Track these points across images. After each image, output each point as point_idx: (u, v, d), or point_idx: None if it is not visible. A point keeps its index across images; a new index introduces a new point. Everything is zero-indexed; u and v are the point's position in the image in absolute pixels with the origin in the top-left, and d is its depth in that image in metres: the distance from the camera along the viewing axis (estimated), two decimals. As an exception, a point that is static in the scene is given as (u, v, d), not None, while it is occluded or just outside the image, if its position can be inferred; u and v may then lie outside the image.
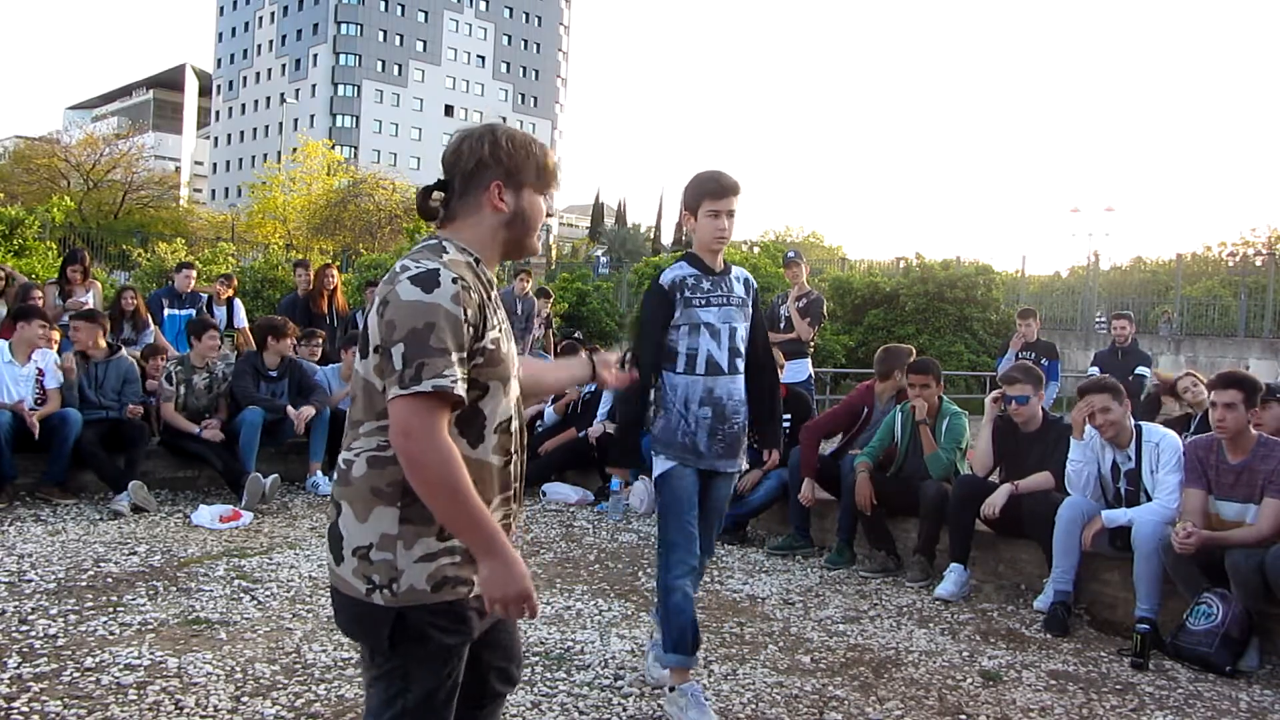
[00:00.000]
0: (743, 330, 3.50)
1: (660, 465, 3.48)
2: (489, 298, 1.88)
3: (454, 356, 1.75)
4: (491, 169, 1.90)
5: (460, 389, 1.75)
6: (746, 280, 3.59)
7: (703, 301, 3.44)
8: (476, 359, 1.83)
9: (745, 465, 3.69)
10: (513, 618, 1.86)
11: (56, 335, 6.54)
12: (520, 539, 2.08)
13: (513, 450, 1.93)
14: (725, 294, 3.47)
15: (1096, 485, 4.75)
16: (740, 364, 3.49)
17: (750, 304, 3.55)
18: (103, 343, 6.65)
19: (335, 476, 1.89)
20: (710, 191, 3.38)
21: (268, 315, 8.34)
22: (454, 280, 1.78)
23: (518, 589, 1.78)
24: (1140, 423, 4.79)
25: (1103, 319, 23.18)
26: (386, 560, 1.80)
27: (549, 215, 2.00)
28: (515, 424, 1.94)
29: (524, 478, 2.02)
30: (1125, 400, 4.74)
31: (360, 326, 1.85)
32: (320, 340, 7.92)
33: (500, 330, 1.90)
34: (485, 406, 1.87)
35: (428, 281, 1.76)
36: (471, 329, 1.80)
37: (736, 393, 3.47)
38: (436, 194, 1.96)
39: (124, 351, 6.86)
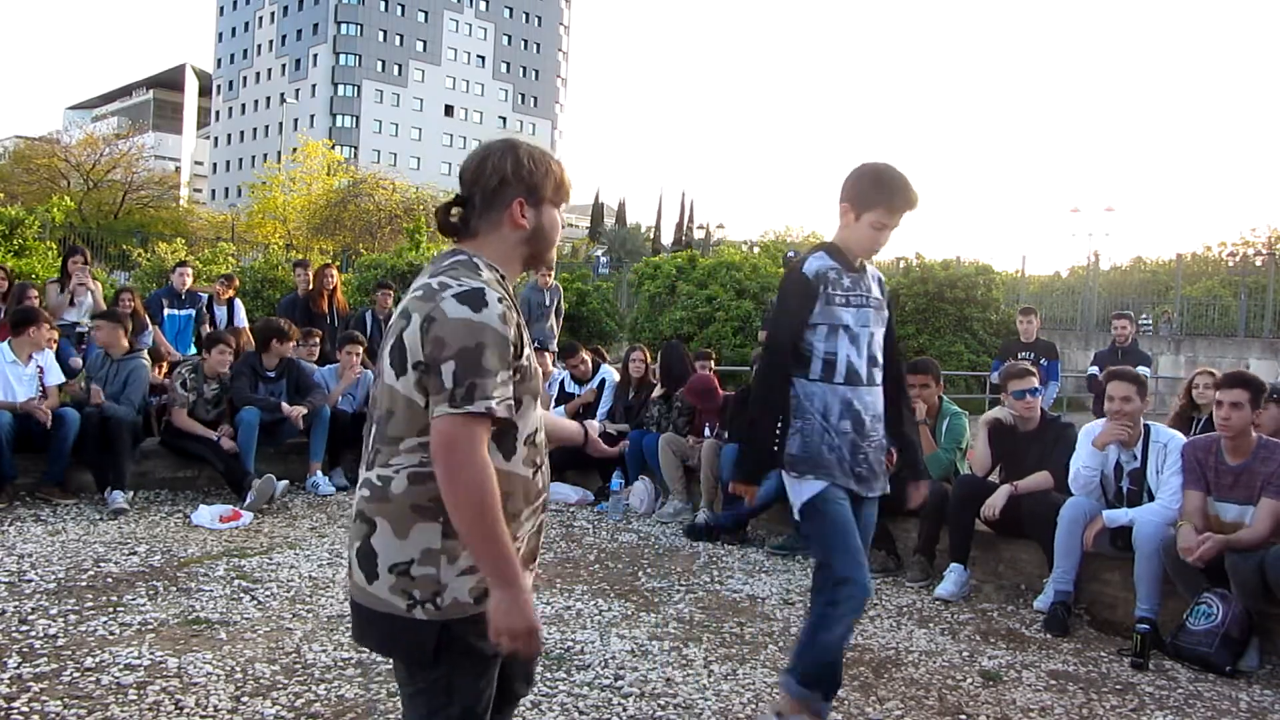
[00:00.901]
0: (879, 336, 3.10)
1: (807, 488, 2.99)
2: (519, 313, 1.91)
3: (500, 376, 1.77)
4: (514, 186, 1.91)
5: (504, 410, 1.77)
6: (881, 280, 3.21)
7: (844, 300, 3.02)
8: (515, 376, 1.84)
9: (887, 489, 3.20)
10: (514, 651, 1.82)
11: (55, 335, 6.58)
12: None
13: (539, 461, 1.96)
14: (864, 294, 3.08)
15: (1098, 484, 4.75)
16: (878, 375, 3.08)
17: (886, 306, 3.16)
18: (124, 342, 6.70)
19: (366, 493, 1.87)
20: (893, 205, 2.97)
21: (268, 316, 8.35)
22: (499, 300, 1.80)
23: (526, 624, 1.78)
24: (1149, 423, 4.77)
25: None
26: (429, 575, 1.81)
27: (563, 227, 2.02)
28: (540, 436, 1.97)
29: (548, 487, 2.04)
30: (1146, 395, 4.73)
31: (392, 341, 1.84)
32: (318, 340, 7.91)
33: (529, 345, 1.92)
34: (518, 421, 1.88)
35: (475, 300, 1.77)
36: (514, 348, 1.81)
37: (875, 406, 3.06)
38: (455, 209, 1.97)
39: (143, 355, 6.87)
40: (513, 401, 1.81)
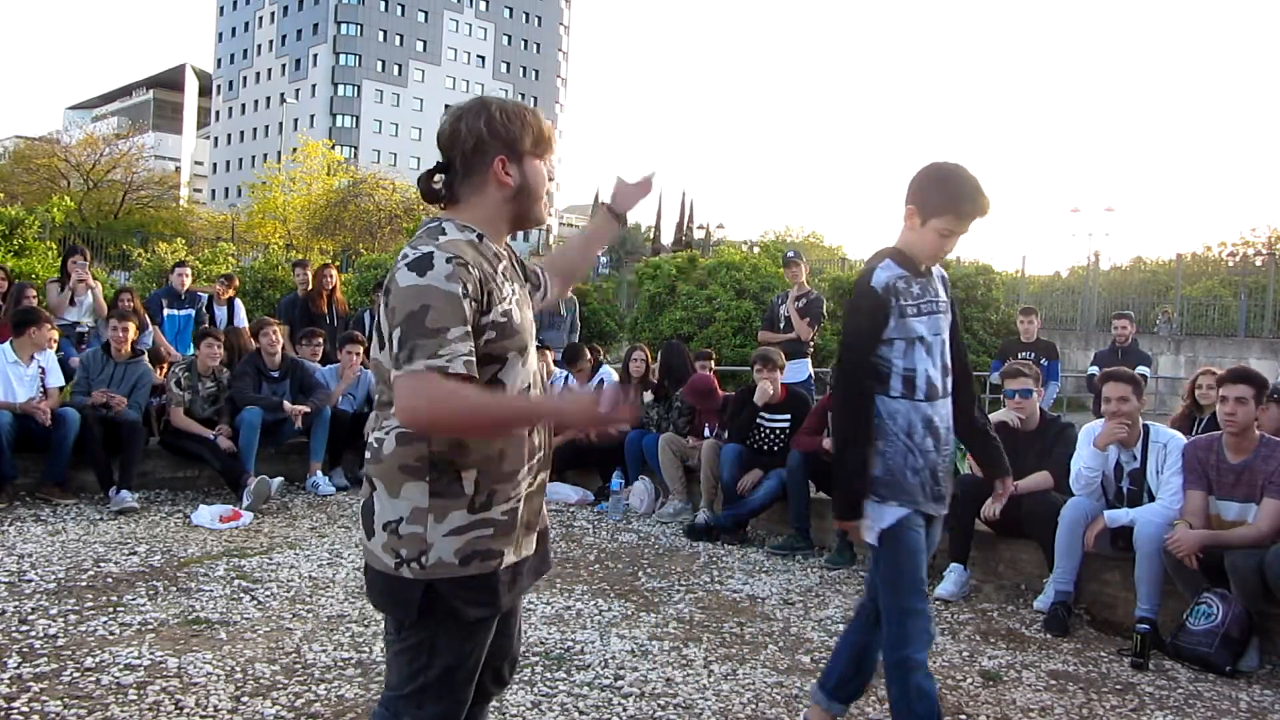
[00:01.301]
0: (947, 340, 2.93)
1: (889, 514, 2.80)
2: (497, 270, 1.90)
3: (452, 334, 1.75)
4: (492, 145, 1.90)
5: (458, 366, 1.75)
6: (944, 279, 3.00)
7: (915, 310, 2.82)
8: (488, 333, 1.84)
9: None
10: (613, 425, 1.81)
11: (56, 334, 6.58)
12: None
13: None
14: (933, 299, 2.87)
15: (1099, 484, 4.74)
16: (950, 384, 2.91)
17: (950, 307, 2.96)
18: (128, 348, 6.69)
19: (367, 455, 1.92)
20: (963, 211, 2.77)
21: (263, 317, 8.35)
22: (448, 260, 1.78)
23: (588, 415, 1.78)
24: (1149, 423, 4.77)
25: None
26: (416, 533, 1.83)
27: (550, 178, 2.02)
28: (534, 391, 1.97)
29: (551, 444, 2.06)
30: (1143, 395, 4.73)
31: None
32: (321, 340, 7.92)
33: (514, 301, 1.91)
34: (505, 377, 1.89)
35: (421, 265, 1.78)
36: (474, 303, 1.80)
37: (949, 418, 2.92)
38: (438, 176, 1.97)
39: (145, 357, 6.87)
40: (471, 358, 1.78)
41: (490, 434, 1.84)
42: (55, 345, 6.54)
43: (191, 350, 8.33)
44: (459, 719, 1.96)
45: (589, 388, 1.91)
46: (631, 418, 1.82)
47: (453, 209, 1.95)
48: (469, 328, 1.78)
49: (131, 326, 6.74)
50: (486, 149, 1.90)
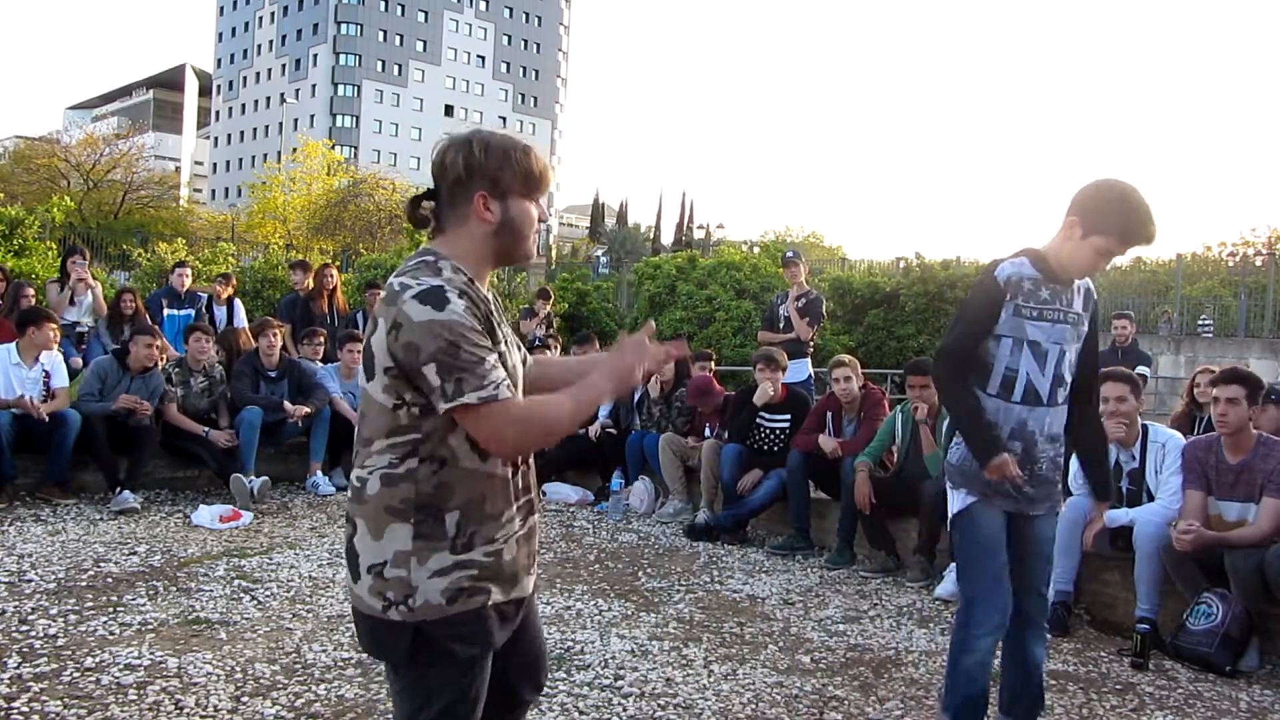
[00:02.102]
0: (1073, 353, 2.89)
1: (959, 500, 2.95)
2: (492, 311, 1.89)
3: (490, 361, 1.78)
4: (474, 180, 1.87)
5: (505, 391, 1.78)
6: (1088, 292, 2.94)
7: (1035, 314, 2.82)
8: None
9: (1061, 506, 3.11)
10: (651, 365, 1.96)
11: (57, 334, 6.55)
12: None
13: (519, 461, 1.93)
14: (1063, 309, 2.85)
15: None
16: (1063, 394, 2.89)
17: (1087, 321, 2.93)
18: (149, 363, 6.63)
19: (350, 494, 1.90)
20: (1131, 236, 2.72)
21: (265, 316, 8.35)
22: (459, 295, 1.79)
23: (627, 374, 1.92)
24: (1147, 423, 4.77)
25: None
26: (400, 577, 1.81)
27: (541, 220, 1.98)
28: None
29: (533, 487, 2.02)
30: (1141, 395, 4.73)
31: (363, 345, 1.84)
32: (323, 340, 7.92)
33: (505, 343, 1.90)
34: None
35: (436, 299, 1.76)
36: (488, 336, 1.82)
37: (1052, 427, 2.90)
38: (426, 203, 1.96)
39: (159, 366, 6.83)
40: (508, 379, 1.81)
41: (570, 431, 1.93)
42: (57, 344, 6.50)
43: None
44: None
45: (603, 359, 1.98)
46: (662, 354, 1.97)
47: (438, 239, 1.93)
48: (494, 355, 1.81)
49: (157, 344, 6.67)
50: (468, 183, 1.87)
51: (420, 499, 1.80)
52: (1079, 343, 2.90)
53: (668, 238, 63.25)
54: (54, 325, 6.41)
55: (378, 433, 1.84)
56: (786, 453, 6.12)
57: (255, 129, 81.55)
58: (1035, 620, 3.01)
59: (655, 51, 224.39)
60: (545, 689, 3.48)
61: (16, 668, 3.44)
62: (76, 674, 3.42)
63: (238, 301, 9.23)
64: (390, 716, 3.15)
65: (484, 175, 1.87)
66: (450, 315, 1.75)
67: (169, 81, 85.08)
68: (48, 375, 6.29)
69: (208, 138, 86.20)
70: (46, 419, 6.04)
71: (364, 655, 3.72)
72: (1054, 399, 2.86)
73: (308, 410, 6.91)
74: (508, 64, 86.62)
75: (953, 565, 5.05)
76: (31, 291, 7.87)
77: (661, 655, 3.95)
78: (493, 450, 1.82)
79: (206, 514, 5.94)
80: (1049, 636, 2.92)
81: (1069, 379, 2.89)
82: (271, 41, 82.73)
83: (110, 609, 4.16)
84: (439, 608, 1.81)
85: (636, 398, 7.47)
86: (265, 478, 6.64)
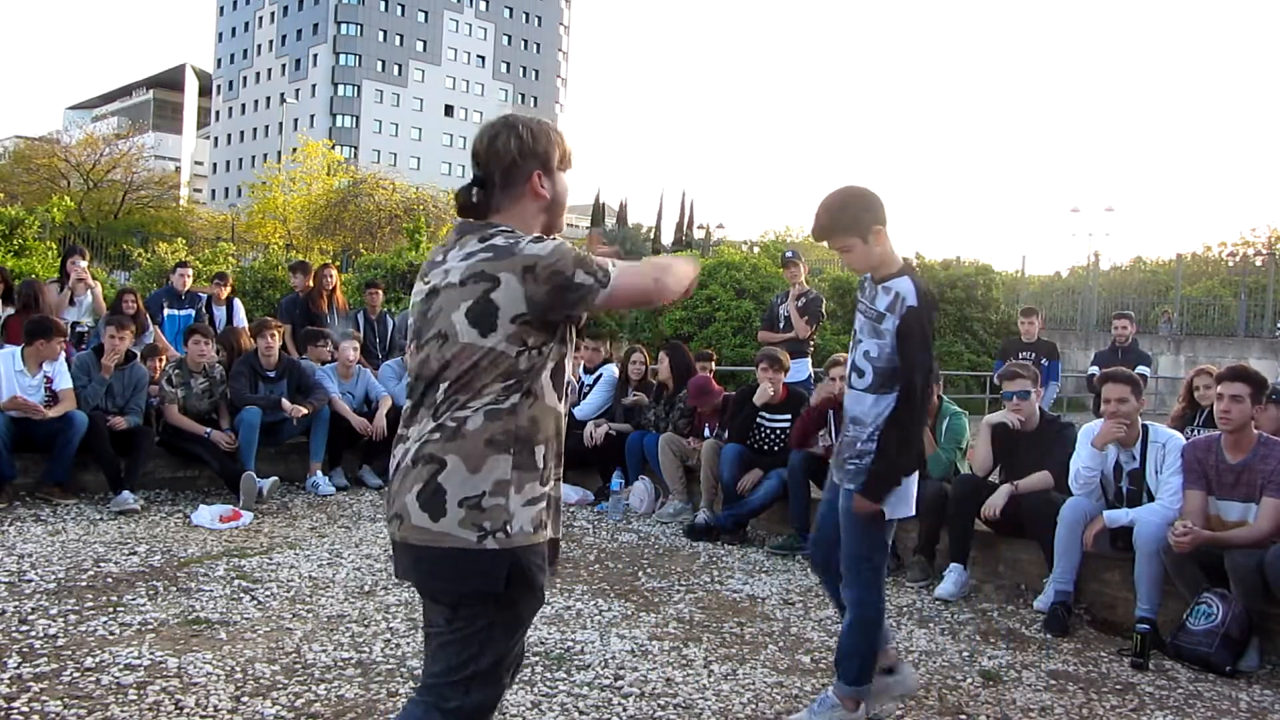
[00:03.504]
0: (871, 346, 3.13)
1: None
2: None
3: (598, 261, 1.98)
4: (529, 160, 2.05)
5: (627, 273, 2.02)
6: (896, 295, 3.11)
7: (860, 309, 3.28)
8: (554, 342, 2.03)
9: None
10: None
11: (63, 345, 6.51)
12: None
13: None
14: (866, 303, 3.19)
15: (1098, 484, 4.74)
16: (860, 381, 3.16)
17: (890, 320, 3.10)
18: (121, 356, 6.66)
19: (436, 436, 1.96)
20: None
21: (265, 316, 8.35)
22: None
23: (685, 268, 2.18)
24: (1147, 423, 4.77)
25: None
26: (500, 505, 1.93)
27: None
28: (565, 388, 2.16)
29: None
30: (1142, 396, 4.73)
31: (470, 303, 1.95)
32: (328, 342, 7.91)
33: None
34: (555, 378, 2.04)
35: (542, 240, 1.98)
36: None
37: (852, 410, 3.21)
38: (476, 190, 2.08)
39: (138, 359, 6.86)
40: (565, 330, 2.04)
41: (688, 280, 2.13)
42: (63, 352, 6.48)
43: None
44: (496, 707, 2.04)
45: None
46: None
47: (495, 216, 2.07)
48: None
49: (128, 335, 6.66)
50: (524, 164, 2.05)
51: (520, 431, 1.95)
52: (878, 337, 3.11)
53: (668, 238, 63.16)
54: (63, 339, 6.35)
55: (493, 378, 1.95)
56: (787, 453, 6.11)
57: (255, 129, 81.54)
58: (844, 581, 3.29)
59: (655, 51, 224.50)
60: (546, 688, 3.49)
61: (16, 668, 3.44)
62: (76, 674, 3.42)
63: (238, 301, 9.23)
64: (391, 717, 3.16)
65: (535, 155, 2.06)
66: (559, 243, 1.97)
67: (169, 81, 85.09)
68: (49, 380, 6.28)
69: (208, 138, 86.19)
70: (49, 415, 6.03)
71: (365, 655, 3.72)
72: (851, 383, 3.20)
73: (305, 410, 6.91)
74: (508, 64, 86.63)
75: (952, 565, 5.07)
76: (46, 291, 7.80)
77: (661, 655, 3.95)
78: (652, 296, 2.05)
79: (206, 514, 5.94)
80: (849, 600, 3.25)
81: (866, 368, 3.14)
82: (271, 41, 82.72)
83: (110, 609, 4.16)
84: (528, 534, 1.96)
85: (629, 401, 7.47)
86: (274, 478, 6.65)
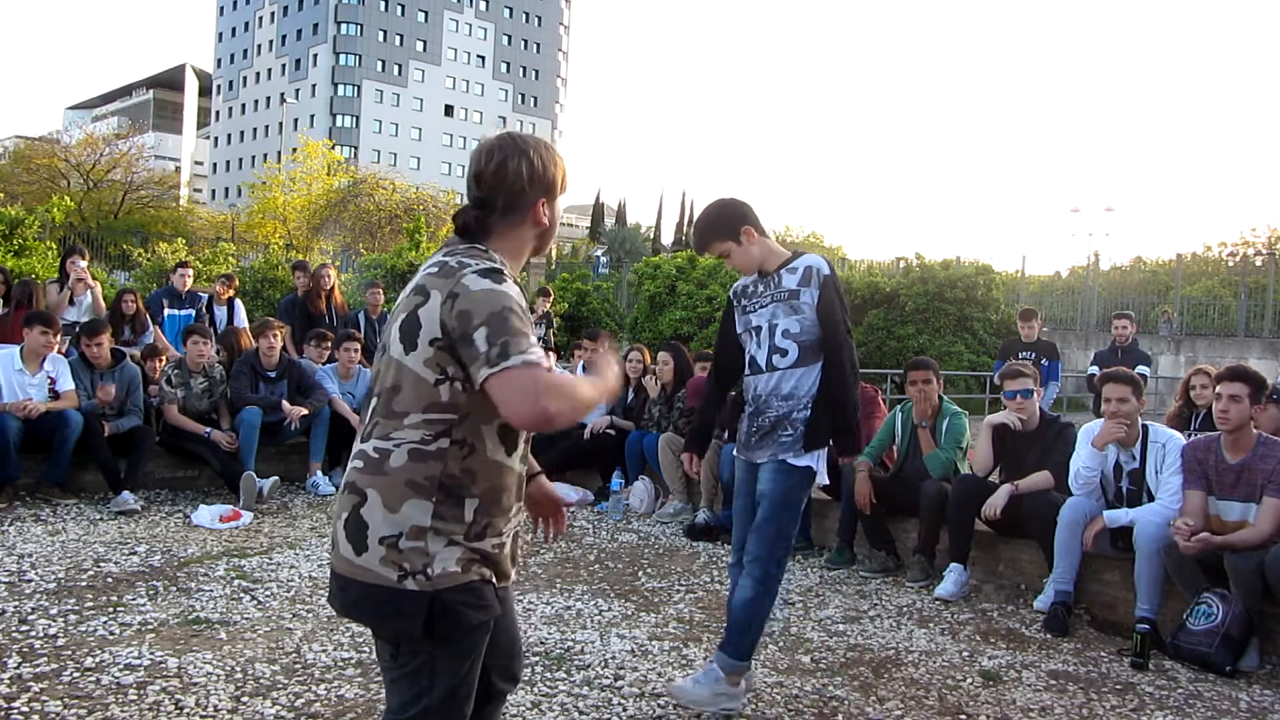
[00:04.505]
0: (790, 323, 3.41)
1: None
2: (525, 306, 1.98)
3: (531, 337, 1.82)
4: (538, 188, 1.99)
5: (545, 361, 1.80)
6: (807, 269, 3.45)
7: (753, 306, 3.52)
8: None
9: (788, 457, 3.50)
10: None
11: (55, 340, 6.50)
12: (523, 540, 2.01)
13: (526, 460, 2.03)
14: (773, 290, 3.48)
15: (1098, 484, 4.74)
16: (782, 360, 3.43)
17: (809, 292, 3.42)
18: (107, 353, 6.65)
19: (360, 464, 1.88)
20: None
21: (266, 317, 8.35)
22: (514, 282, 1.89)
23: (603, 385, 1.96)
24: (1148, 423, 4.77)
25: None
26: (418, 548, 1.83)
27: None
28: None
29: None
30: (1142, 396, 4.73)
31: (404, 317, 1.88)
32: (329, 343, 7.91)
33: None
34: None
35: (495, 275, 1.84)
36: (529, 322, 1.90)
37: (780, 387, 3.47)
38: (475, 213, 2.00)
39: (128, 359, 6.85)
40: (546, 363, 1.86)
41: (585, 412, 1.90)
42: (55, 348, 6.47)
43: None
44: None
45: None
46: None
47: (488, 239, 1.99)
48: (534, 339, 1.85)
49: (105, 340, 6.62)
50: (531, 192, 1.98)
51: (446, 479, 1.84)
52: (796, 314, 3.39)
53: (668, 238, 63.24)
54: (49, 331, 6.27)
55: (412, 407, 1.85)
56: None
57: (255, 129, 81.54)
58: (751, 555, 3.42)
59: (655, 51, 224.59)
60: (546, 688, 3.50)
61: (16, 668, 3.44)
62: (76, 674, 3.42)
63: (238, 301, 9.22)
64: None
65: (543, 184, 2.00)
66: (508, 289, 1.84)
67: (169, 81, 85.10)
68: (52, 380, 6.27)
69: (208, 138, 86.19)
70: (42, 410, 6.01)
71: (365, 655, 3.72)
72: (774, 365, 3.43)
73: (304, 411, 6.91)
74: (508, 64, 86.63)
75: (952, 565, 5.07)
76: (45, 291, 7.80)
77: (661, 655, 3.95)
78: (528, 418, 1.75)
79: (206, 514, 5.94)
80: (754, 576, 3.38)
81: (788, 346, 3.39)
82: (271, 41, 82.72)
83: (110, 609, 4.16)
84: (456, 575, 1.84)
85: (629, 400, 7.46)
86: (274, 478, 6.65)
